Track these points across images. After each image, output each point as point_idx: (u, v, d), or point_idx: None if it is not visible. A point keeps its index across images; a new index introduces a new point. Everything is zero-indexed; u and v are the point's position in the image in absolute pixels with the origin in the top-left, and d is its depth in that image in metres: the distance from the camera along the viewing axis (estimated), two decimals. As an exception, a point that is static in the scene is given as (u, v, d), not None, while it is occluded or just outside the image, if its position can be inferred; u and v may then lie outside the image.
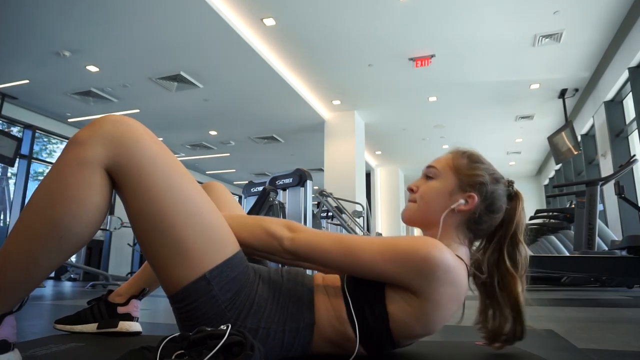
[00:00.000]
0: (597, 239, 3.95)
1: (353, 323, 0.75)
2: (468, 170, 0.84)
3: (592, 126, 6.21)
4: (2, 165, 6.56)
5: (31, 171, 6.84)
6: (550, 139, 6.70)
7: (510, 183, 0.87)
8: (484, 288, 0.85)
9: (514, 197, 0.86)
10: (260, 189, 4.39)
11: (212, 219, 0.75)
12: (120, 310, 1.12)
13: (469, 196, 0.82)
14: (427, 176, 0.88)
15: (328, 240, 0.76)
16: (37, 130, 6.88)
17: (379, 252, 0.73)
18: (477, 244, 0.88)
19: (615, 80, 5.03)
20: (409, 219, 0.87)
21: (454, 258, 0.73)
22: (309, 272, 0.90)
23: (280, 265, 0.88)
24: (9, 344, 0.69)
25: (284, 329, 0.76)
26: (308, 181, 4.41)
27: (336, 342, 0.78)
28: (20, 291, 0.70)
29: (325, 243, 0.76)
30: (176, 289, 0.73)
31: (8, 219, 6.78)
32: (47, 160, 7.54)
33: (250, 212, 3.82)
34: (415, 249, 0.71)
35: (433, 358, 0.87)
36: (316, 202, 5.52)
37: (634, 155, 3.95)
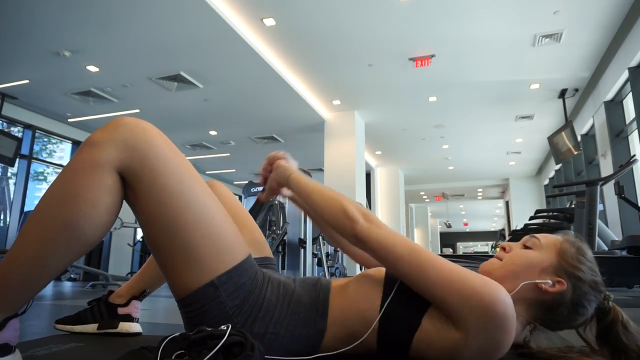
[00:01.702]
0: (597, 239, 3.95)
1: (382, 311, 0.75)
2: (572, 260, 0.78)
3: (592, 126, 6.21)
4: (2, 165, 6.56)
5: (31, 171, 6.84)
6: (550, 139, 6.70)
7: (607, 297, 0.80)
8: None
9: (608, 312, 0.79)
10: (261, 189, 4.38)
11: (223, 225, 0.75)
12: (121, 311, 1.12)
13: (559, 281, 0.77)
14: (526, 246, 0.83)
15: (402, 245, 0.75)
16: (37, 130, 6.88)
17: (449, 276, 0.71)
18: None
19: (615, 80, 5.03)
20: (488, 273, 0.81)
21: (514, 323, 0.69)
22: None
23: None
24: (10, 346, 0.69)
25: (293, 335, 0.76)
26: (308, 181, 4.40)
27: (352, 334, 0.77)
28: (27, 292, 0.69)
29: (398, 247, 0.74)
30: (184, 294, 0.73)
31: (8, 219, 6.78)
32: (47, 160, 7.54)
33: (250, 212, 3.81)
34: (487, 291, 0.68)
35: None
36: (316, 202, 5.51)
37: (634, 155, 3.95)
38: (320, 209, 0.81)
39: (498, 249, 0.88)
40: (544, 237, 0.83)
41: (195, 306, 0.73)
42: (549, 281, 0.77)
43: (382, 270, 0.83)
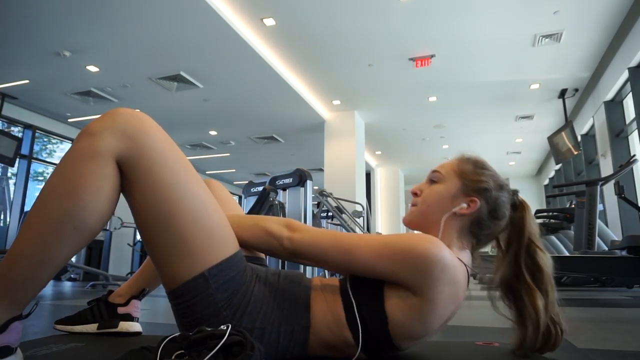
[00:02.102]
0: (597, 239, 3.95)
1: (352, 327, 0.75)
2: (473, 176, 0.84)
3: (592, 126, 6.22)
4: (2, 165, 6.56)
5: (31, 171, 6.84)
6: (550, 139, 6.70)
7: (515, 192, 0.87)
8: (513, 300, 0.84)
9: (518, 206, 0.86)
10: (260, 189, 4.39)
11: (215, 217, 0.76)
12: (121, 310, 1.12)
13: (471, 200, 0.82)
14: (432, 180, 0.88)
15: (326, 239, 0.77)
16: (37, 130, 6.88)
17: (377, 250, 0.73)
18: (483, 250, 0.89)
19: (615, 80, 5.03)
20: (410, 222, 0.87)
21: (452, 257, 0.73)
22: (308, 273, 0.90)
23: (280, 266, 0.89)
24: (11, 348, 0.68)
25: (279, 331, 0.76)
26: (308, 181, 4.41)
27: (334, 345, 0.77)
28: (32, 287, 0.69)
29: (323, 242, 0.76)
30: (175, 285, 0.74)
31: (8, 219, 6.78)
32: (47, 160, 7.54)
33: (250, 212, 3.82)
34: (413, 245, 0.71)
35: (433, 358, 0.87)
36: (316, 202, 5.52)
37: (634, 155, 3.96)
38: (247, 241, 0.82)
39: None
40: (442, 167, 0.88)
41: (185, 298, 0.73)
42: (463, 204, 0.82)
43: (335, 280, 0.85)
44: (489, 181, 0.83)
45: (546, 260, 0.82)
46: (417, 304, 0.71)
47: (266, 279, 0.82)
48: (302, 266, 4.33)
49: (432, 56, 5.30)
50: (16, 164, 6.33)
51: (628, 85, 4.87)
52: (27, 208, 6.54)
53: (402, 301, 0.73)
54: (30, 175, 6.78)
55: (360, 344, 0.75)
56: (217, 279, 0.73)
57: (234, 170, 10.95)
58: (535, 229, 0.85)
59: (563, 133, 6.31)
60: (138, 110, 0.76)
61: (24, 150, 6.62)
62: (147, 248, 0.76)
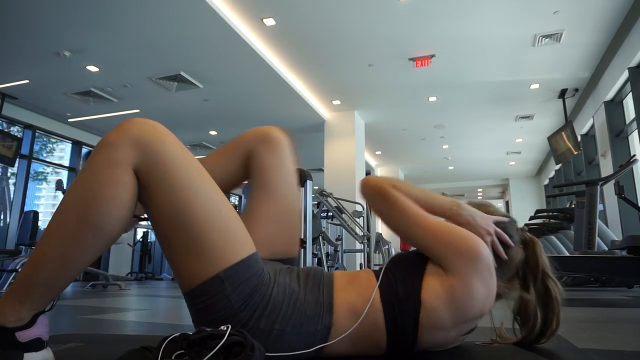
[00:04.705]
0: (597, 239, 3.95)
1: (385, 308, 0.79)
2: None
3: (592, 126, 6.21)
4: (2, 165, 6.56)
5: (31, 171, 6.84)
6: (550, 139, 6.70)
7: (523, 229, 0.95)
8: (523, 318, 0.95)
9: (529, 243, 0.94)
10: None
11: (230, 219, 0.78)
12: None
13: None
14: None
15: (411, 208, 0.86)
16: (37, 130, 6.88)
17: (434, 231, 0.83)
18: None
19: (615, 80, 5.03)
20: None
21: (494, 268, 0.81)
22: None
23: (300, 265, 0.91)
24: (42, 342, 0.71)
25: (299, 332, 0.77)
26: (308, 181, 4.40)
27: (354, 336, 0.79)
28: (54, 289, 0.72)
29: (408, 205, 0.86)
30: (191, 286, 0.75)
31: (8, 219, 6.78)
32: (47, 160, 7.53)
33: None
34: (467, 236, 0.81)
35: (434, 358, 0.87)
36: (316, 202, 5.52)
37: (634, 155, 3.95)
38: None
39: None
40: None
41: (202, 298, 0.75)
42: None
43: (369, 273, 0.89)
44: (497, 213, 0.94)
45: (557, 289, 0.91)
46: (452, 287, 0.77)
47: (285, 284, 0.82)
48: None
49: (432, 56, 5.30)
50: (16, 164, 6.33)
51: (628, 85, 4.87)
52: (27, 208, 6.53)
53: (439, 285, 0.78)
54: (30, 175, 6.77)
55: (387, 330, 0.78)
56: (233, 281, 0.75)
57: (234, 170, 10.94)
58: (547, 262, 0.93)
59: (563, 133, 6.31)
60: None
61: (24, 150, 6.61)
62: (165, 251, 0.78)
